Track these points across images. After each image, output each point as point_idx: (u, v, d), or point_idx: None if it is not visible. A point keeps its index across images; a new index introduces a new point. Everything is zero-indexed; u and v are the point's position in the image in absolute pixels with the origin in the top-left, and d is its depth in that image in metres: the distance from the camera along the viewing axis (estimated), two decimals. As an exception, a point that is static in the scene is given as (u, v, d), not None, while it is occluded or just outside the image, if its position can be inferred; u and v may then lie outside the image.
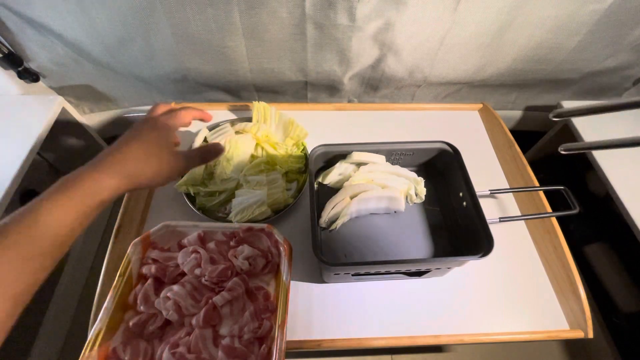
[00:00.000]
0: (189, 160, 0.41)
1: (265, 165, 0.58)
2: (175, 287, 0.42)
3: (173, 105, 0.45)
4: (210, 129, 0.61)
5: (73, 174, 0.32)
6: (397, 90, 0.77)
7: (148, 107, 0.83)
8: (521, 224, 0.58)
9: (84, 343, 0.37)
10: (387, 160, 0.55)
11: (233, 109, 0.70)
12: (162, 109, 0.43)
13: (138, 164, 0.36)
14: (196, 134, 0.61)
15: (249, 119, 0.63)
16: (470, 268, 0.50)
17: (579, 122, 0.74)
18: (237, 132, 0.60)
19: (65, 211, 0.30)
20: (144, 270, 0.44)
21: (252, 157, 0.59)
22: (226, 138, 0.58)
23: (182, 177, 0.54)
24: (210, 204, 0.54)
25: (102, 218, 1.05)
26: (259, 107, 0.61)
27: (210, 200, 0.55)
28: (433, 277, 0.50)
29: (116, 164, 0.34)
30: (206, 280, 0.43)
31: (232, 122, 0.63)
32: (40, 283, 0.30)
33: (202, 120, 0.46)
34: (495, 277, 0.52)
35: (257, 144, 0.59)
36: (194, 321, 0.41)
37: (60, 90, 0.75)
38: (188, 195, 0.54)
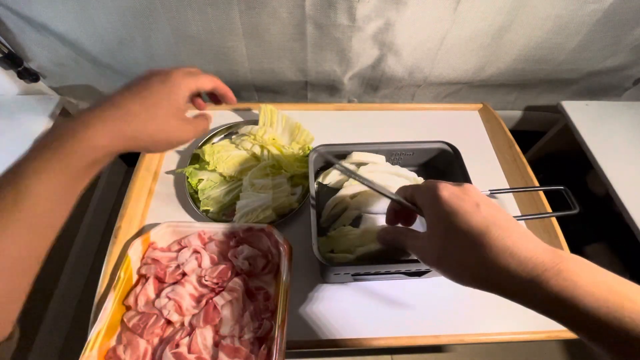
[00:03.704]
0: (196, 128, 0.36)
1: (271, 168, 0.57)
2: (176, 287, 0.42)
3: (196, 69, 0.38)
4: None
5: (57, 132, 0.27)
6: (397, 90, 0.77)
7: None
8: (521, 224, 0.58)
9: (84, 343, 0.37)
10: (387, 160, 0.54)
11: (235, 110, 0.70)
12: (181, 69, 0.35)
13: (139, 123, 0.31)
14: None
15: (252, 122, 0.63)
16: (470, 268, 0.50)
17: (579, 122, 0.74)
18: (242, 135, 0.60)
19: (53, 177, 0.26)
20: (144, 270, 0.44)
21: (258, 160, 0.59)
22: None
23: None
24: (215, 207, 0.54)
25: (102, 218, 1.05)
26: (265, 110, 0.61)
27: (215, 203, 0.54)
28: (433, 277, 0.50)
29: (112, 121, 0.29)
30: (206, 280, 0.43)
31: (238, 125, 0.63)
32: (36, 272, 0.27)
33: (223, 99, 0.40)
34: (495, 277, 0.51)
35: (262, 147, 0.59)
36: (194, 321, 0.41)
37: (60, 90, 0.75)
38: (191, 195, 0.54)
